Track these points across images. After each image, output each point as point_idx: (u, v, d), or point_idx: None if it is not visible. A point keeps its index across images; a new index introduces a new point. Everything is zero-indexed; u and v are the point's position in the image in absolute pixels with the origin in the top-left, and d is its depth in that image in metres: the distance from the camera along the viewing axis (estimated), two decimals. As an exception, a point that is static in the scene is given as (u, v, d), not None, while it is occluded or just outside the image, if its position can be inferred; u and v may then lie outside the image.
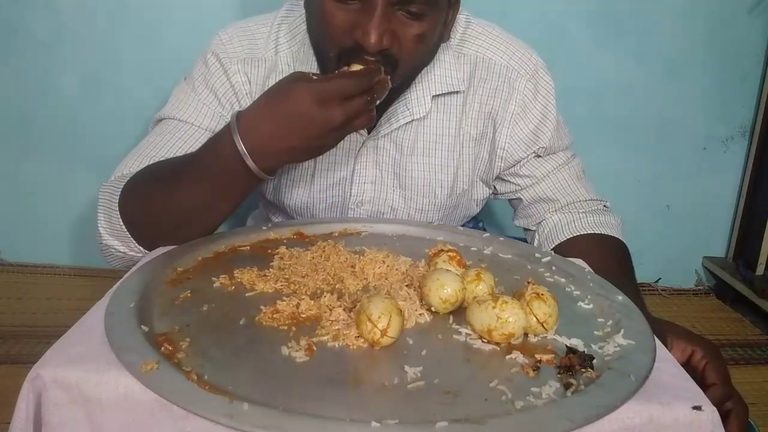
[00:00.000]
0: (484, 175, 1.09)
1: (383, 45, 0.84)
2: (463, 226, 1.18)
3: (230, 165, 0.80)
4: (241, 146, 0.78)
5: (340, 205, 1.07)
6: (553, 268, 0.84)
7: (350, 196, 1.05)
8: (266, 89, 0.82)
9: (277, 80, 1.01)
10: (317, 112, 0.76)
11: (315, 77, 0.77)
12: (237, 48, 1.01)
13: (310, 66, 0.99)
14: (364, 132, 1.01)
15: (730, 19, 1.93)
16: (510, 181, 1.11)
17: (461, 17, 1.04)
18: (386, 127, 1.01)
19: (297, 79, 0.78)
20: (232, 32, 1.03)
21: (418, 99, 1.00)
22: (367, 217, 1.05)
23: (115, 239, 0.89)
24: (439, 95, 1.02)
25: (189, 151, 0.94)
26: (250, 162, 0.79)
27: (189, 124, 0.99)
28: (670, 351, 0.72)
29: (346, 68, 0.82)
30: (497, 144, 1.06)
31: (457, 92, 1.03)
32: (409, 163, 1.04)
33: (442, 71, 1.01)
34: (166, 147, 0.97)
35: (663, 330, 0.79)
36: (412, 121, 1.02)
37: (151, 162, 0.94)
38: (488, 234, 0.95)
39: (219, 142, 0.82)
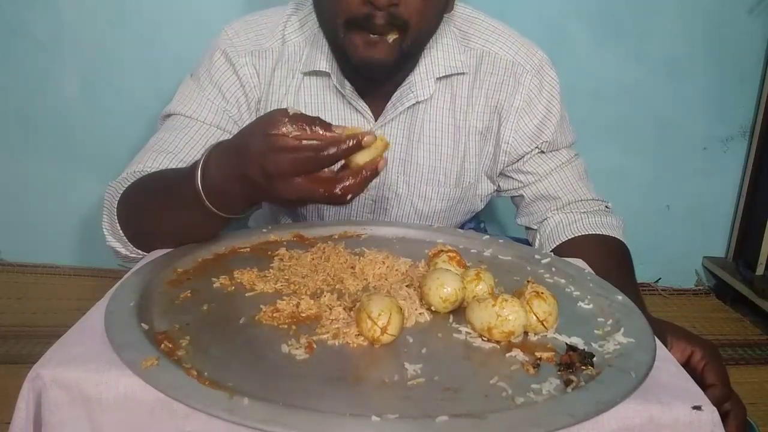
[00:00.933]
0: (488, 170, 1.10)
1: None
2: (464, 225, 1.18)
3: (200, 201, 0.75)
4: (199, 187, 0.74)
5: None
6: (553, 269, 0.84)
7: None
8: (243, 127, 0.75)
9: (284, 69, 1.01)
10: (268, 159, 0.67)
11: (286, 120, 0.67)
12: (244, 41, 1.03)
13: (321, 51, 1.00)
14: (370, 118, 1.03)
15: (730, 19, 1.93)
16: (513, 178, 1.11)
17: (466, 9, 1.05)
18: (392, 112, 1.02)
19: (260, 123, 0.69)
20: (237, 26, 1.04)
21: (422, 81, 1.01)
22: (372, 203, 1.08)
23: (117, 241, 0.90)
24: (443, 77, 1.03)
25: (195, 147, 0.97)
26: (206, 203, 0.75)
27: (195, 120, 1.01)
28: (669, 351, 0.72)
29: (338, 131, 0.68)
30: (502, 138, 1.07)
31: (461, 74, 1.04)
32: (416, 150, 1.05)
33: (445, 54, 1.02)
34: (174, 143, 0.98)
35: (663, 330, 0.79)
36: (417, 103, 1.02)
37: (162, 156, 0.96)
38: (488, 236, 0.95)
39: (190, 176, 0.76)
